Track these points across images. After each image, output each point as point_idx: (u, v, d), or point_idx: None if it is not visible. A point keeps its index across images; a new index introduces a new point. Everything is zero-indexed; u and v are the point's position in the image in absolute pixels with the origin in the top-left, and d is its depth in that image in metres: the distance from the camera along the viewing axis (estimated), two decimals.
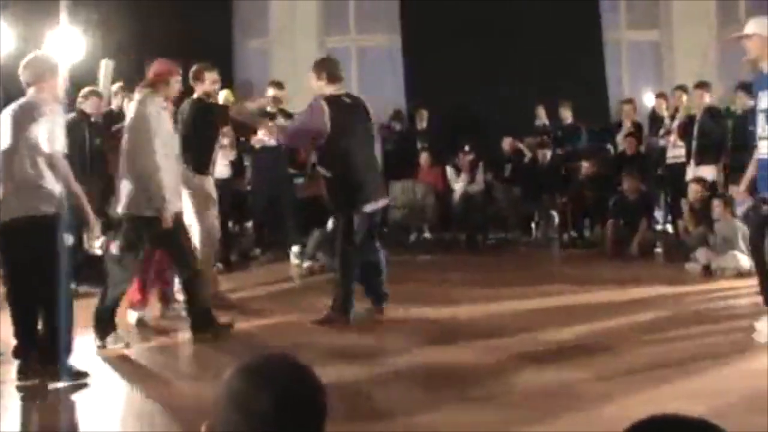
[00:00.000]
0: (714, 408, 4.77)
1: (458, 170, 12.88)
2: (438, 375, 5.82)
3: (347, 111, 7.24)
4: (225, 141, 10.47)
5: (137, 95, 6.98)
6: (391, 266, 7.92)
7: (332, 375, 5.73)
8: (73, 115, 9.58)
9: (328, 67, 7.41)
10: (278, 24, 14.55)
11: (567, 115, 13.13)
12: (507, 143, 13.21)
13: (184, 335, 7.03)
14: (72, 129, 9.38)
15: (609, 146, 13.19)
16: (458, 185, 12.83)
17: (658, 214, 12.53)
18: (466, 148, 12.80)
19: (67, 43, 10.52)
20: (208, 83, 8.32)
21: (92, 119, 9.74)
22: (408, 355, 6.36)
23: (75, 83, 9.94)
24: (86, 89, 9.81)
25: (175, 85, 7.11)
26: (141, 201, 6.68)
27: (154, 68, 7.01)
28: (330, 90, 7.25)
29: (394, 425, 4.88)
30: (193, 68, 8.36)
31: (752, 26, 6.53)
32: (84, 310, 8.04)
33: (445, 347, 6.52)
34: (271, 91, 11.10)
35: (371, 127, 7.67)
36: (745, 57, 6.65)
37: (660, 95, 12.98)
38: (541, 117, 13.49)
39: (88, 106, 9.65)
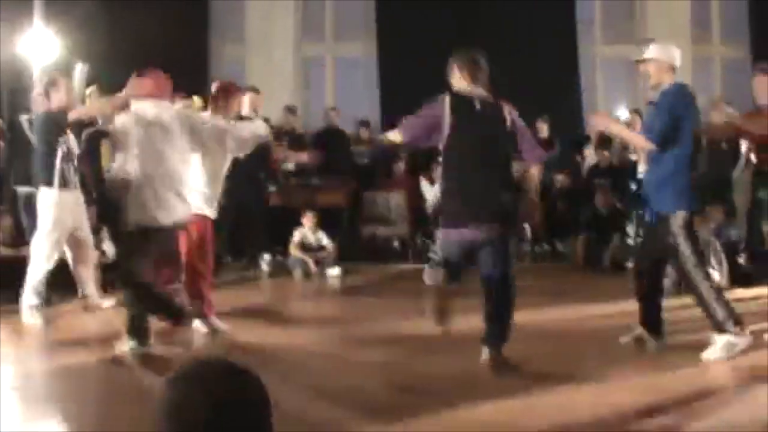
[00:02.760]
0: (677, 423, 4.80)
1: (432, 182, 12.88)
2: (407, 388, 5.79)
3: (473, 117, 6.23)
4: None
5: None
6: (365, 277, 7.91)
7: (304, 384, 5.74)
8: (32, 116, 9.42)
9: (469, 63, 6.49)
10: (254, 31, 14.52)
11: (543, 128, 13.17)
12: None
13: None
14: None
15: (578, 158, 13.26)
16: (431, 197, 12.83)
17: (630, 228, 12.57)
18: (440, 159, 12.76)
19: (41, 45, 10.46)
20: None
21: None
22: (381, 368, 6.34)
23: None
24: (36, 90, 9.53)
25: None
26: None
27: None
28: (462, 87, 6.39)
29: None
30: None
31: (651, 51, 6.64)
32: (54, 316, 8.04)
33: (415, 360, 6.48)
34: (246, 98, 11.10)
35: (501, 146, 6.24)
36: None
37: (634, 111, 13.05)
38: None
39: (41, 108, 9.34)
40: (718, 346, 6.25)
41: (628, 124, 12.84)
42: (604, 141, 12.84)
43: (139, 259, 6.37)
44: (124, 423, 4.94)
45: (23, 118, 9.46)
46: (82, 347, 6.89)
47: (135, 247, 6.36)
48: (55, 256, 8.04)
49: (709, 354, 6.24)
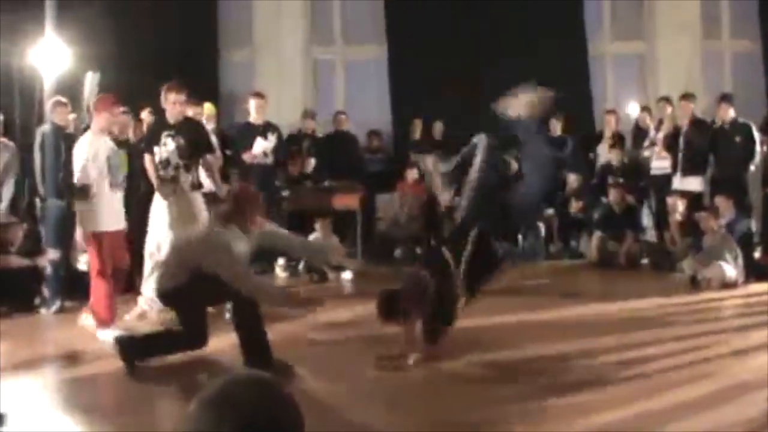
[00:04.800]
0: (702, 422, 4.79)
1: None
2: (416, 390, 5.79)
3: None
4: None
5: None
6: (376, 280, 7.89)
7: (318, 387, 5.75)
8: (47, 126, 9.44)
9: None
10: (263, 35, 14.50)
11: (556, 127, 13.14)
12: None
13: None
14: (48, 141, 9.25)
15: (591, 156, 13.24)
16: (444, 198, 12.81)
17: (647, 221, 12.53)
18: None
19: (52, 55, 10.49)
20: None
21: (66, 131, 9.38)
22: (397, 369, 6.34)
23: (60, 95, 9.88)
24: (52, 100, 9.51)
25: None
26: None
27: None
28: None
29: None
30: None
31: None
32: (69, 324, 8.05)
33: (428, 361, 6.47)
34: (252, 103, 11.13)
35: None
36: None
37: (644, 108, 12.99)
38: None
39: (57, 117, 9.30)
40: None
41: (638, 122, 12.88)
42: (618, 139, 12.82)
43: None
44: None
45: (42, 130, 9.47)
46: (96, 356, 6.89)
47: None
48: None
49: None
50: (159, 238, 8.26)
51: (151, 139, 8.59)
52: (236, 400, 1.59)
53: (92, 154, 7.69)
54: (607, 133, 12.95)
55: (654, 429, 4.74)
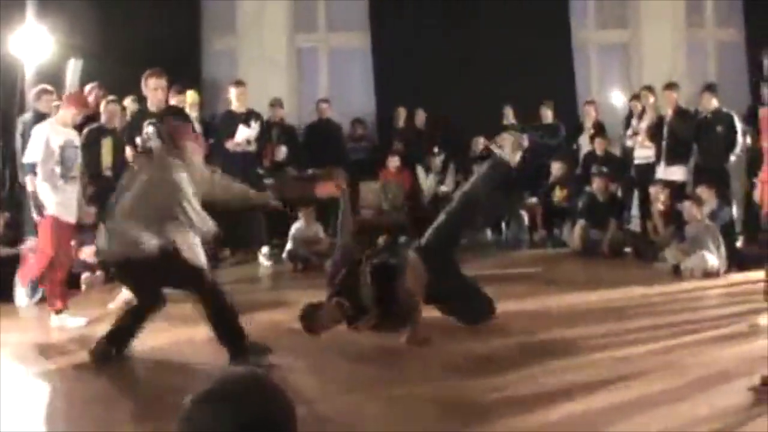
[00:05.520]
0: (684, 411, 4.81)
1: (429, 171, 12.89)
2: (399, 380, 5.79)
3: None
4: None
5: None
6: None
7: (300, 376, 5.74)
8: (28, 115, 9.38)
9: None
10: (246, 23, 14.43)
11: (547, 115, 13.16)
12: (478, 144, 13.18)
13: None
14: (29, 129, 9.18)
15: (574, 146, 13.26)
16: (428, 186, 12.83)
17: (633, 212, 12.57)
18: (436, 149, 12.84)
19: (34, 43, 10.41)
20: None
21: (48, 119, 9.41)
22: (378, 358, 6.34)
23: (41, 83, 9.81)
24: (38, 88, 9.48)
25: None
26: None
27: None
28: None
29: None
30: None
31: None
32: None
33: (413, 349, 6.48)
34: (233, 91, 11.10)
35: None
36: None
37: (635, 96, 12.91)
38: (509, 117, 13.50)
39: (41, 105, 9.26)
40: None
41: (630, 112, 12.85)
42: (600, 129, 12.85)
43: None
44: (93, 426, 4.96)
45: (23, 119, 9.41)
46: (78, 347, 6.85)
47: None
48: None
49: None
50: None
51: (133, 130, 8.51)
52: (231, 397, 1.61)
53: (47, 139, 7.63)
54: (587, 124, 13.01)
55: (637, 417, 4.75)
